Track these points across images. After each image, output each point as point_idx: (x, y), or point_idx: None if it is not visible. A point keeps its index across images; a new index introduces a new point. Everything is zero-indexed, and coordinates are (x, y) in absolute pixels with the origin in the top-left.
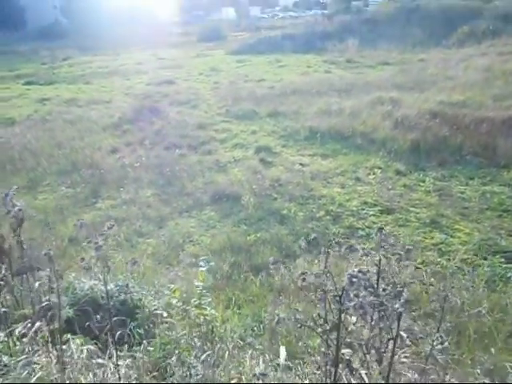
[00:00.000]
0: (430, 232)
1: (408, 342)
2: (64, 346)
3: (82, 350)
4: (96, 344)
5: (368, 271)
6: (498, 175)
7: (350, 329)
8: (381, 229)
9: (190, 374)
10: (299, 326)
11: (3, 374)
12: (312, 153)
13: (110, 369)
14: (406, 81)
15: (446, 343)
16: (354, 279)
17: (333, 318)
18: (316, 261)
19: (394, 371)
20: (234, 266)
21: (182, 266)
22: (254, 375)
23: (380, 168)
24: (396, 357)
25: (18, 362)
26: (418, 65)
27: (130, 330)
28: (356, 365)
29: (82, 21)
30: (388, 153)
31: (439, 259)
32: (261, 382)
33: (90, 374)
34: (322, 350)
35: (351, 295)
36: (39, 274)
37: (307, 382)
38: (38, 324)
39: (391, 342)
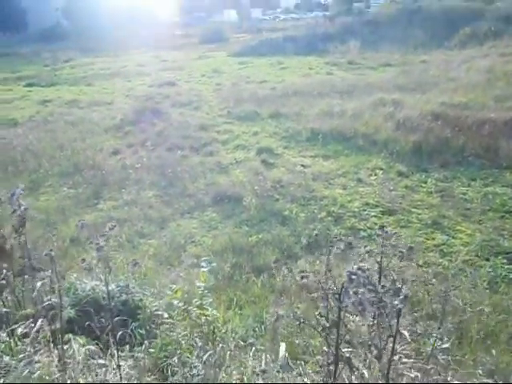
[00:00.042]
0: (431, 233)
1: (408, 339)
2: (65, 346)
3: (83, 351)
4: (97, 344)
5: (368, 269)
6: (500, 176)
7: (350, 327)
8: (383, 227)
9: (192, 375)
10: (298, 323)
11: (5, 373)
12: (314, 154)
13: (112, 369)
14: (407, 82)
15: (447, 344)
16: (354, 276)
17: (333, 316)
18: (317, 261)
19: (395, 371)
20: (236, 266)
21: (183, 267)
22: (254, 372)
23: (382, 169)
24: (396, 356)
25: (20, 361)
26: (419, 66)
27: (132, 330)
28: (356, 362)
29: (84, 23)
30: (390, 154)
31: (441, 260)
32: (261, 379)
33: (92, 374)
34: (324, 348)
35: (350, 292)
36: (41, 274)
37: (308, 381)
38: (39, 324)
39: (391, 338)
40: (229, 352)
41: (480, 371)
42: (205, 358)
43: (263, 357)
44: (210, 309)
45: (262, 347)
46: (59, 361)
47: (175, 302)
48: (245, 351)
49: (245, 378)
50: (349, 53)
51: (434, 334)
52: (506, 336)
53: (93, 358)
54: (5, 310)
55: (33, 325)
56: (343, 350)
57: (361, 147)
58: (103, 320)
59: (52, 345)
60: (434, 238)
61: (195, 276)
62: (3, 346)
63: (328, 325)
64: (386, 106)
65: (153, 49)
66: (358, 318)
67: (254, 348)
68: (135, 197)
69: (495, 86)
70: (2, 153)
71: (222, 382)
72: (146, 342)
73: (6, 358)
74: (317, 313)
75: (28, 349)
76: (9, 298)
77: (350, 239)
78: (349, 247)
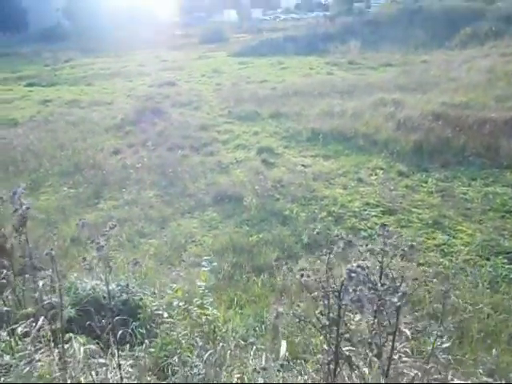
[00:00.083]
0: (432, 233)
1: (409, 335)
2: (66, 346)
3: (83, 350)
4: (98, 344)
5: (368, 267)
6: (500, 176)
7: (350, 325)
8: (384, 225)
9: (192, 374)
10: (298, 320)
11: (5, 372)
12: (314, 154)
13: (112, 368)
14: (408, 82)
15: (448, 344)
16: (353, 274)
17: (333, 314)
18: (318, 261)
19: (395, 369)
20: (236, 266)
21: (184, 267)
22: (255, 369)
23: (382, 169)
24: (396, 355)
25: (20, 360)
26: (420, 66)
27: (132, 329)
28: (356, 361)
29: (84, 23)
30: (390, 154)
31: (441, 260)
32: (261, 378)
33: (92, 373)
34: (324, 347)
35: (350, 290)
36: (41, 273)
37: (308, 379)
38: (40, 323)
39: (390, 336)
40: (229, 351)
41: (480, 371)
42: (205, 357)
43: (263, 356)
44: (210, 308)
45: (263, 346)
46: (60, 360)
47: (175, 302)
48: (245, 350)
49: (245, 378)
50: (349, 53)
51: (435, 332)
52: (506, 336)
53: (93, 358)
54: (5, 309)
55: (33, 324)
56: (343, 349)
57: (361, 147)
58: (104, 319)
59: (52, 344)
60: (434, 238)
61: (196, 275)
62: (4, 345)
63: (328, 323)
64: (387, 106)
65: (153, 49)
66: (358, 317)
67: (254, 347)
68: (136, 196)
69: (496, 86)
70: (3, 153)
71: (223, 381)
72: (146, 341)
73: (7, 357)
74: (317, 311)
75: (28, 348)
76: (9, 297)
77: (351, 237)
78: (349, 245)
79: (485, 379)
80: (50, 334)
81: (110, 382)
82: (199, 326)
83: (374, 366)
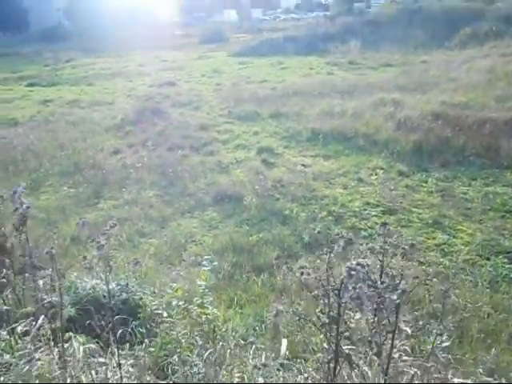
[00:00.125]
0: (432, 232)
1: (409, 332)
2: (66, 345)
3: (83, 349)
4: (98, 343)
5: (368, 265)
6: (500, 176)
7: (350, 324)
8: (385, 224)
9: (192, 373)
10: (298, 318)
11: (5, 371)
12: (314, 154)
13: (112, 367)
14: (408, 82)
15: (447, 343)
16: (353, 272)
17: (333, 312)
18: (318, 260)
19: (395, 368)
20: (236, 266)
21: (184, 266)
22: (255, 366)
23: (382, 169)
24: (397, 354)
25: (20, 359)
26: (420, 66)
27: (132, 329)
28: (356, 360)
29: (85, 23)
30: (390, 154)
31: (442, 259)
32: (261, 375)
33: (92, 373)
34: (324, 345)
35: (350, 288)
36: (41, 272)
37: (309, 379)
38: (40, 322)
39: (390, 334)
40: (229, 350)
41: (480, 370)
42: (205, 356)
43: (263, 355)
44: (210, 307)
45: (263, 346)
46: (59, 359)
47: (175, 301)
48: (245, 350)
49: (245, 377)
50: (349, 53)
51: (434, 331)
52: (506, 335)
53: (93, 357)
54: (5, 308)
55: (33, 323)
56: (343, 347)
57: (361, 147)
58: (104, 318)
59: (52, 343)
60: (434, 238)
61: (196, 275)
62: (3, 344)
63: (328, 321)
64: (387, 106)
65: (153, 49)
66: (358, 315)
67: (254, 346)
68: (136, 196)
69: (496, 86)
70: (3, 152)
71: (223, 380)
72: (146, 340)
73: (7, 357)
74: (317, 310)
75: (28, 347)
76: (9, 296)
77: (351, 235)
78: (349, 243)
79: (485, 378)
80: (49, 333)
81: (110, 381)
82: (199, 325)
83: (374, 364)
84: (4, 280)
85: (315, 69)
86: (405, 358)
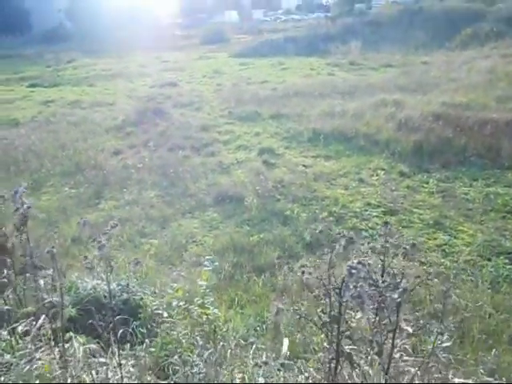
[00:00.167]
0: (433, 233)
1: (410, 331)
2: (66, 345)
3: (84, 349)
4: (98, 343)
5: (369, 264)
6: (502, 177)
7: (351, 323)
8: (386, 223)
9: (193, 373)
10: (299, 317)
11: (6, 371)
12: (315, 154)
13: (113, 367)
14: (409, 83)
15: (448, 343)
16: (354, 271)
17: (334, 311)
18: (319, 260)
19: (396, 368)
20: (237, 266)
21: (184, 266)
22: (256, 364)
23: (383, 169)
24: (397, 354)
25: (21, 359)
26: (421, 67)
27: (133, 329)
28: (357, 359)
29: (86, 24)
30: (391, 154)
31: (443, 260)
32: (262, 375)
33: (93, 373)
34: (325, 345)
35: (351, 286)
36: (42, 272)
37: (310, 379)
38: (40, 322)
39: (391, 333)
40: (230, 350)
41: (481, 370)
42: (206, 356)
43: (264, 355)
44: (211, 308)
45: (263, 346)
46: (60, 358)
47: (176, 301)
48: (246, 350)
49: (246, 377)
50: (350, 53)
51: (435, 330)
52: (507, 336)
53: (94, 357)
54: (6, 307)
55: (34, 323)
56: (344, 347)
57: (362, 147)
58: (104, 318)
59: (53, 343)
60: (435, 238)
61: (196, 275)
62: (4, 344)
63: (329, 320)
64: (388, 107)
65: (154, 50)
66: (359, 315)
67: (254, 346)
68: (137, 197)
69: (497, 87)
70: (4, 153)
71: (224, 380)
72: (146, 340)
73: (7, 356)
74: (319, 310)
75: (29, 347)
76: (10, 296)
77: (352, 234)
78: (351, 242)
79: (485, 379)
80: (50, 333)
81: (111, 381)
82: (200, 325)
83: (375, 364)
84: (5, 280)
85: (316, 69)
86: (406, 357)
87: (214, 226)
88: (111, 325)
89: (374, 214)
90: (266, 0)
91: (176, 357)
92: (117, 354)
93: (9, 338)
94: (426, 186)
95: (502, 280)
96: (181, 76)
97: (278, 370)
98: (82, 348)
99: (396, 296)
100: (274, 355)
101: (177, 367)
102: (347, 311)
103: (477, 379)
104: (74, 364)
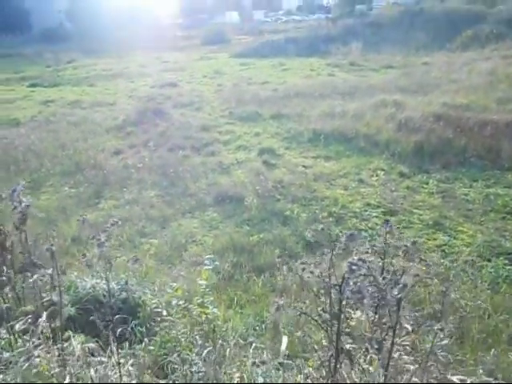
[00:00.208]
0: (433, 233)
1: (409, 329)
2: (65, 344)
3: (83, 347)
4: (97, 342)
5: (369, 261)
6: (502, 177)
7: (350, 321)
8: (387, 221)
9: (192, 372)
10: (299, 314)
11: (5, 369)
12: (315, 155)
13: (112, 366)
14: (409, 84)
15: (446, 341)
16: (354, 267)
17: (334, 308)
18: (319, 257)
19: (395, 367)
20: (237, 266)
21: (184, 266)
22: (254, 363)
23: (383, 170)
24: (397, 354)
25: (20, 356)
26: (421, 68)
27: (132, 328)
28: (357, 357)
29: (86, 24)
30: (391, 155)
31: (442, 260)
32: (261, 375)
33: (91, 371)
34: (324, 343)
35: (351, 283)
36: (41, 271)
37: (309, 379)
38: (40, 320)
39: (391, 330)
40: (229, 349)
41: (481, 370)
42: (204, 355)
43: (263, 354)
44: (210, 307)
45: (263, 345)
46: (59, 356)
47: (175, 300)
48: (245, 349)
49: (245, 376)
50: (351, 54)
51: (436, 327)
52: (507, 336)
53: (93, 355)
54: (5, 306)
55: (35, 320)
56: (344, 344)
57: (362, 148)
58: (103, 317)
59: (52, 341)
60: (435, 239)
61: (196, 275)
62: (3, 342)
63: (329, 317)
64: (388, 107)
65: (154, 50)
66: (358, 313)
67: (254, 345)
68: (137, 196)
69: (497, 88)
70: (4, 152)
71: (223, 379)
72: (145, 339)
73: (6, 354)
74: (319, 308)
75: (28, 345)
76: (9, 294)
77: (353, 231)
78: (352, 239)
79: (485, 379)
80: (49, 331)
81: (110, 379)
82: (199, 324)
83: (375, 361)
84: (4, 278)
85: (316, 70)
86: (405, 356)
87: (213, 226)
88: (110, 323)
89: (374, 214)
90: (267, 1)
91: (175, 356)
92: (116, 352)
93: (8, 335)
94: (425, 186)
95: (501, 280)
96: (181, 76)
97: (277, 369)
98: (80, 346)
99: (396, 292)
100: (272, 354)
101: (176, 366)
102: (347, 310)
103: (476, 379)
104: (73, 362)
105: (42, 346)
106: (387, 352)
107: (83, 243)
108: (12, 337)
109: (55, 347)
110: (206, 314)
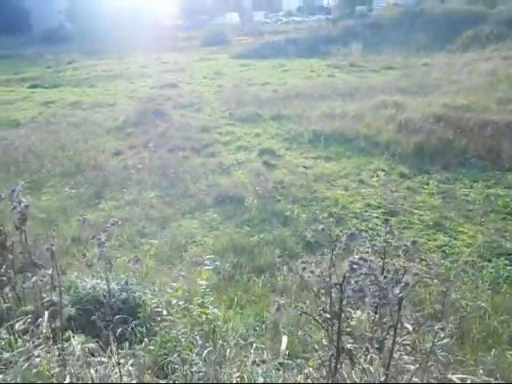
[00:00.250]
0: (433, 234)
1: (410, 329)
2: (65, 344)
3: (83, 348)
4: (97, 342)
5: (370, 260)
6: (502, 178)
7: (351, 321)
8: (387, 220)
9: (192, 372)
10: (299, 313)
11: (5, 369)
12: (315, 155)
13: (112, 366)
14: (409, 85)
15: (446, 340)
16: (355, 266)
17: (334, 308)
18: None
19: (395, 366)
20: (237, 266)
21: (184, 266)
22: (254, 362)
23: (384, 171)
24: (397, 354)
25: (20, 356)
26: (421, 69)
27: (132, 328)
28: (357, 356)
29: (87, 25)
30: (392, 156)
31: (443, 261)
32: (261, 375)
33: (91, 371)
34: (324, 342)
35: (352, 282)
36: (42, 271)
37: (309, 379)
38: (40, 320)
39: (392, 328)
40: (229, 350)
41: (481, 370)
42: (205, 355)
43: (264, 354)
44: (210, 307)
45: (263, 345)
46: (59, 356)
47: (176, 300)
48: (245, 349)
49: (245, 376)
50: (351, 55)
51: (436, 327)
52: (507, 336)
53: (93, 356)
54: (5, 305)
55: (35, 320)
56: (344, 343)
57: (362, 149)
58: (104, 317)
59: (52, 342)
60: (435, 239)
61: (196, 275)
62: (3, 342)
63: (329, 316)
64: (388, 108)
65: (155, 51)
66: (359, 313)
67: (254, 345)
68: (137, 197)
69: (498, 89)
70: (5, 153)
71: (223, 379)
72: (146, 339)
73: (6, 354)
74: (320, 308)
75: (28, 345)
76: (9, 294)
77: (354, 230)
78: (353, 238)
79: (485, 379)
80: (49, 331)
81: (110, 379)
82: (199, 324)
83: (375, 361)
84: (4, 278)
85: (317, 71)
86: (405, 357)
87: (213, 227)
88: (110, 324)
89: (374, 214)
90: (267, 2)
91: (175, 356)
92: (116, 352)
93: (8, 335)
94: (426, 187)
95: (502, 281)
96: (181, 77)
97: (277, 369)
98: (80, 347)
99: (398, 291)
100: (273, 354)
101: (176, 366)
102: (348, 309)
103: (476, 379)
104: (73, 362)
105: (42, 346)
106: (388, 352)
107: (83, 243)
108: (12, 337)
109: (55, 347)
110: (206, 314)
